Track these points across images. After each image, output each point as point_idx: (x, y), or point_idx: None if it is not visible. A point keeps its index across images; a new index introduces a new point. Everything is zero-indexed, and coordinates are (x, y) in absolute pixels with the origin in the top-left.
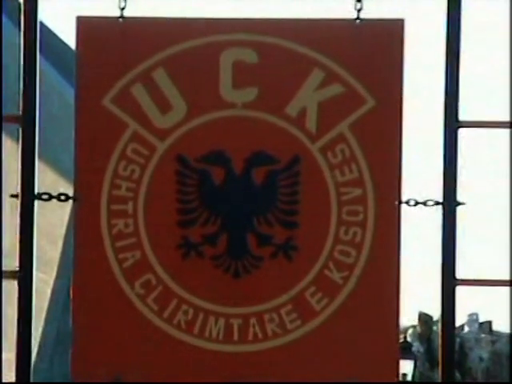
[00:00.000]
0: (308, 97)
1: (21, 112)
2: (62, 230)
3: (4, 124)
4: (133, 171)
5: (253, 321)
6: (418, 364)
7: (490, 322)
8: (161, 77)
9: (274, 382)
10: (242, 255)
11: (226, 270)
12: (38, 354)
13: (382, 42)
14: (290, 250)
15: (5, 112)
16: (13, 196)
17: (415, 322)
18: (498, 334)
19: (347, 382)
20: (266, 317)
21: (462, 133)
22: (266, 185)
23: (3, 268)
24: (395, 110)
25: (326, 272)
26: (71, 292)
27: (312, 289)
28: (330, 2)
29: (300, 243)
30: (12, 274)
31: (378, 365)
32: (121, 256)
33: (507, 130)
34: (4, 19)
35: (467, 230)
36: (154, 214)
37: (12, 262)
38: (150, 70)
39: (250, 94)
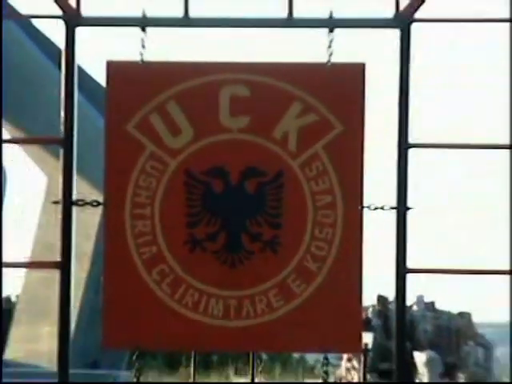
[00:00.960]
0: (290, 123)
1: (62, 135)
2: (94, 229)
3: (48, 145)
4: (150, 183)
5: (246, 302)
6: (376, 336)
7: (433, 303)
8: (172, 108)
9: (263, 349)
10: (237, 250)
11: (224, 262)
12: (76, 328)
13: (348, 80)
14: (276, 245)
15: (49, 135)
16: (55, 202)
17: (375, 302)
18: (440, 312)
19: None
20: (257, 298)
21: (412, 152)
22: (257, 193)
23: (49, 259)
24: (359, 133)
25: (305, 263)
26: (102, 278)
27: (293, 276)
28: (307, 46)
29: (283, 240)
30: (55, 264)
31: (346, 336)
32: (141, 250)
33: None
34: (47, 61)
35: (416, 228)
36: (166, 217)
37: (55, 255)
38: (164, 103)
39: (244, 121)
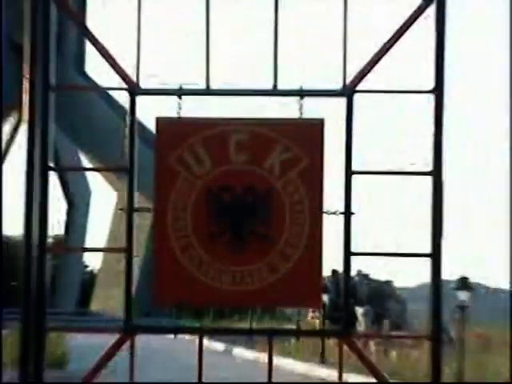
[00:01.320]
0: (275, 158)
1: (127, 165)
2: (147, 228)
3: (116, 172)
4: (183, 196)
5: (246, 274)
6: (331, 296)
7: (367, 274)
8: (198, 148)
9: (257, 305)
10: (240, 241)
11: (231, 249)
12: (136, 291)
13: (313, 130)
14: (266, 238)
15: (117, 164)
16: (121, 209)
17: (330, 274)
18: (372, 280)
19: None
20: (254, 272)
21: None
22: (253, 203)
23: (118, 246)
24: (320, 164)
25: (284, 249)
26: (154, 259)
27: (277, 258)
28: (288, 106)
29: (271, 234)
30: (123, 249)
31: (311, 297)
32: (178, 241)
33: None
34: (114, 115)
35: (359, 226)
36: (194, 219)
37: (122, 243)
38: (193, 144)
39: (245, 156)
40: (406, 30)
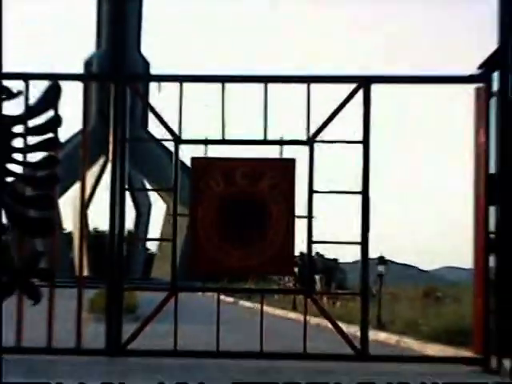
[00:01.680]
0: (265, 182)
1: (173, 186)
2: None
3: (166, 191)
4: (208, 205)
5: (247, 255)
6: (300, 269)
7: (322, 255)
8: (217, 175)
9: (255, 272)
10: (243, 234)
11: (238, 239)
12: (178, 265)
13: (288, 165)
14: (260, 233)
15: (167, 186)
16: (169, 214)
17: (298, 254)
18: (325, 258)
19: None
20: (252, 254)
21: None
22: (252, 211)
23: (166, 237)
24: (293, 187)
25: (272, 239)
26: (189, 246)
27: (267, 244)
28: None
29: (263, 231)
30: (170, 239)
31: (287, 268)
32: (204, 234)
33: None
34: (167, 156)
35: (317, 225)
36: (214, 220)
37: (170, 235)
38: (214, 174)
39: (247, 181)
40: (344, 105)
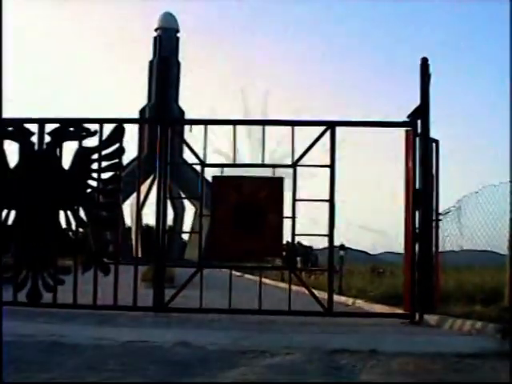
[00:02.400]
0: (261, 194)
1: (199, 195)
2: (207, 223)
3: (194, 199)
4: (225, 208)
5: (249, 243)
6: (286, 253)
7: (301, 243)
8: (229, 189)
9: (253, 258)
10: (247, 229)
11: (243, 232)
12: (203, 250)
13: (276, 182)
14: (260, 232)
15: (195, 195)
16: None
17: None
18: (303, 246)
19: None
20: (253, 242)
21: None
22: (253, 214)
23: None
24: (281, 197)
25: (267, 232)
26: (210, 236)
27: (264, 236)
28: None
29: (260, 226)
30: (197, 232)
31: (278, 253)
32: (221, 229)
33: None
34: (196, 176)
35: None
36: (227, 220)
37: (197, 229)
38: (227, 187)
39: (250, 193)
40: (317, 141)
